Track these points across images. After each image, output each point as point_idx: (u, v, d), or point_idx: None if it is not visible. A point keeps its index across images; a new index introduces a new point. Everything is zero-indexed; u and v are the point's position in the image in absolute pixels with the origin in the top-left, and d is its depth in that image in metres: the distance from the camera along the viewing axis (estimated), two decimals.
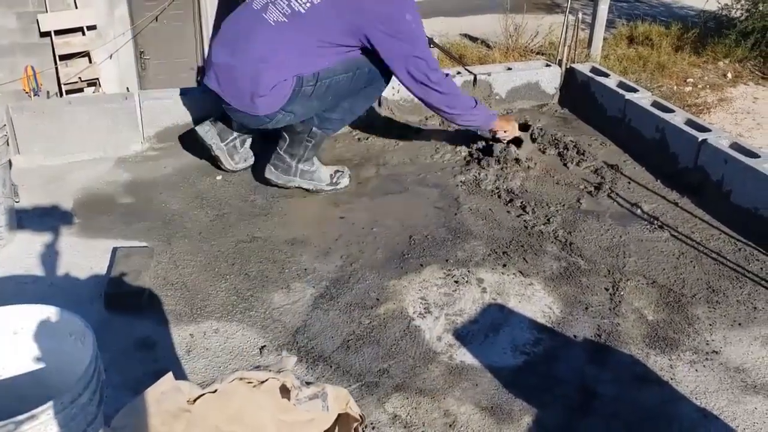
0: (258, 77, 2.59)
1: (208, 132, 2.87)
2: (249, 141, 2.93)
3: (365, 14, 2.60)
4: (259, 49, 2.60)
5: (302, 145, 2.77)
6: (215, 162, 2.92)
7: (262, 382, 1.39)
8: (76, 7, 8.21)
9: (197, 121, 3.04)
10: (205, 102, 3.14)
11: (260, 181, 2.87)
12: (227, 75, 2.66)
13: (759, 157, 2.78)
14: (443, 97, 2.80)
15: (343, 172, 2.91)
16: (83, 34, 8.31)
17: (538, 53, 7.72)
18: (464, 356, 2.06)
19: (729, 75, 7.67)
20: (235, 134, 2.88)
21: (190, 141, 3.14)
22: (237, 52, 2.65)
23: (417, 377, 1.98)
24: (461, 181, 2.98)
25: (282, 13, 2.62)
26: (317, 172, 2.84)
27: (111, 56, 8.62)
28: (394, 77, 2.80)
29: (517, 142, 3.14)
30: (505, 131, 3.09)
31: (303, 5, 2.61)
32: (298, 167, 2.80)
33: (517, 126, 3.14)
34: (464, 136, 3.27)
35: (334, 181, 2.87)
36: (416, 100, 3.46)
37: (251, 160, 2.96)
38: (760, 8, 7.77)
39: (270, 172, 2.81)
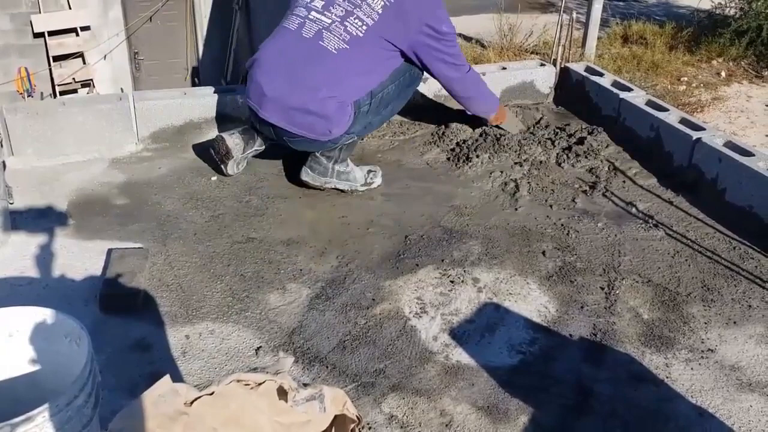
0: (328, 108, 2.64)
1: (237, 145, 2.86)
2: (251, 153, 2.94)
3: (412, 27, 2.71)
4: (328, 80, 2.65)
5: (338, 147, 2.78)
6: (217, 165, 2.90)
7: (260, 384, 1.39)
8: (70, 8, 8.19)
9: (192, 121, 3.04)
10: (199, 102, 3.15)
11: (296, 184, 2.87)
12: (289, 107, 2.67)
13: (753, 155, 2.79)
14: (471, 79, 3.02)
15: (375, 171, 2.94)
16: (77, 35, 8.29)
17: (532, 53, 7.73)
18: (460, 356, 2.06)
19: (723, 74, 7.68)
20: (255, 147, 2.89)
21: (185, 142, 3.14)
22: (303, 85, 2.65)
23: (413, 377, 1.97)
24: (456, 181, 2.98)
25: (341, 39, 2.66)
26: (352, 173, 2.86)
27: (105, 57, 8.61)
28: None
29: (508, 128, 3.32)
30: (497, 119, 3.26)
31: (360, 29, 2.66)
32: (334, 168, 2.81)
33: (514, 118, 3.33)
34: (459, 136, 3.27)
35: (368, 180, 2.90)
36: (412, 99, 3.47)
37: (244, 164, 2.95)
38: (755, 7, 7.78)
39: (306, 174, 2.81)
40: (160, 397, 1.33)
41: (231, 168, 2.89)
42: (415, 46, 2.75)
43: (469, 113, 3.22)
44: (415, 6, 2.72)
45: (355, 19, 2.67)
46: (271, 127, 2.74)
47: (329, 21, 2.68)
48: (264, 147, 2.92)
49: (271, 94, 2.68)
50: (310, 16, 2.72)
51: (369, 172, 2.92)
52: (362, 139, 3.05)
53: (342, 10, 2.68)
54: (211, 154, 2.90)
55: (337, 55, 2.65)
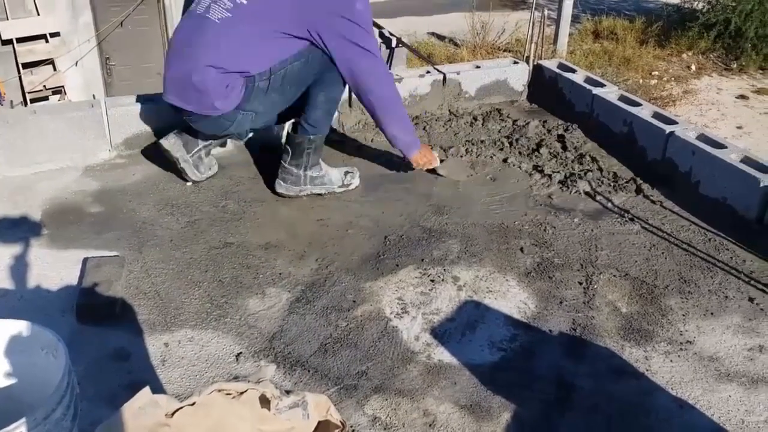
0: (210, 79, 2.54)
1: (174, 144, 2.80)
2: (213, 150, 2.90)
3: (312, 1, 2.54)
4: (207, 50, 2.55)
5: (304, 153, 2.74)
6: (181, 174, 2.87)
7: (241, 393, 1.38)
8: (38, 14, 8.07)
9: (165, 126, 3.00)
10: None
11: (276, 194, 2.82)
12: (181, 84, 2.61)
13: (725, 147, 2.83)
14: (385, 87, 2.72)
15: (353, 172, 2.89)
16: (46, 41, 8.18)
17: (505, 50, 7.78)
18: (442, 355, 2.07)
19: (693, 67, 7.80)
20: (201, 144, 2.83)
21: (158, 148, 3.10)
22: (186, 59, 2.59)
23: (396, 378, 1.97)
24: (434, 180, 2.98)
25: (224, 8, 2.56)
26: (327, 176, 2.82)
27: (76, 63, 8.51)
28: None
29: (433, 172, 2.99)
30: (421, 159, 2.90)
31: None
32: (306, 175, 2.78)
33: (437, 158, 2.96)
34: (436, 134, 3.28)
35: (345, 182, 2.85)
36: None
37: (215, 168, 2.92)
38: (721, 0, 7.90)
39: (280, 186, 2.78)
40: (140, 410, 1.31)
41: (191, 172, 2.84)
42: (317, 25, 2.55)
43: (389, 140, 2.85)
44: None
45: None
46: (175, 109, 2.68)
47: None
48: (219, 140, 2.87)
49: (168, 75, 2.65)
50: None
51: (346, 173, 2.88)
52: (325, 135, 2.82)
53: None
54: None
55: (219, 24, 2.54)
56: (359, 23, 2.59)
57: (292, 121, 2.83)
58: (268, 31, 2.56)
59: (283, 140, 2.87)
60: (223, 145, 3.05)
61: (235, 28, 2.54)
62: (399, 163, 3.03)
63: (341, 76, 2.65)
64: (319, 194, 2.82)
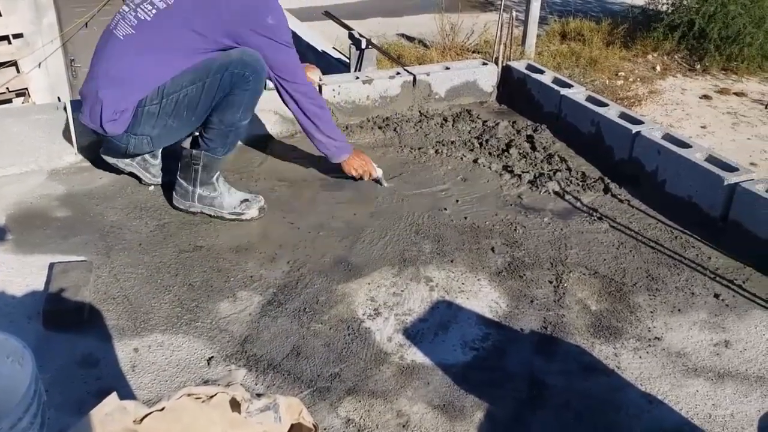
0: (105, 99, 2.48)
1: (113, 156, 2.78)
2: (159, 153, 2.83)
3: (220, 10, 2.45)
4: (107, 68, 2.51)
5: (191, 168, 2.62)
6: (138, 179, 2.84)
7: (211, 396, 1.36)
8: (0, 15, 7.92)
9: None
10: None
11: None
12: (86, 101, 2.57)
13: (690, 147, 2.88)
14: (309, 94, 2.67)
15: (251, 201, 2.69)
16: (9, 42, 8.02)
17: (474, 52, 7.82)
18: (415, 355, 2.07)
19: (658, 68, 7.91)
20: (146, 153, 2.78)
21: None
22: (91, 77, 2.56)
23: (369, 379, 1.97)
24: (405, 181, 2.99)
25: (129, 24, 2.50)
26: (218, 198, 2.65)
27: (40, 65, 8.36)
28: (270, 79, 2.63)
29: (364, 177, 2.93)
30: (354, 169, 2.87)
31: (149, 12, 2.48)
32: (195, 192, 2.64)
33: (372, 165, 2.90)
34: (407, 136, 3.28)
35: (237, 210, 2.66)
36: (358, 101, 3.46)
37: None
38: (685, 2, 8.04)
39: (173, 197, 2.70)
40: (107, 416, 1.29)
41: (143, 176, 2.81)
42: (233, 36, 2.48)
43: (315, 142, 2.79)
44: None
45: (147, 3, 2.49)
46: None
47: (127, 9, 2.55)
48: (165, 146, 2.77)
49: (81, 92, 2.62)
50: (120, 10, 2.60)
51: (243, 201, 2.68)
52: (220, 159, 2.64)
53: None
54: None
55: (122, 41, 2.48)
56: (271, 37, 2.53)
57: (196, 133, 2.69)
58: (170, 48, 2.48)
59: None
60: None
61: (138, 46, 2.48)
62: (335, 169, 2.94)
63: (251, 97, 2.56)
64: (209, 215, 2.67)
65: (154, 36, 2.47)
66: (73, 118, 2.98)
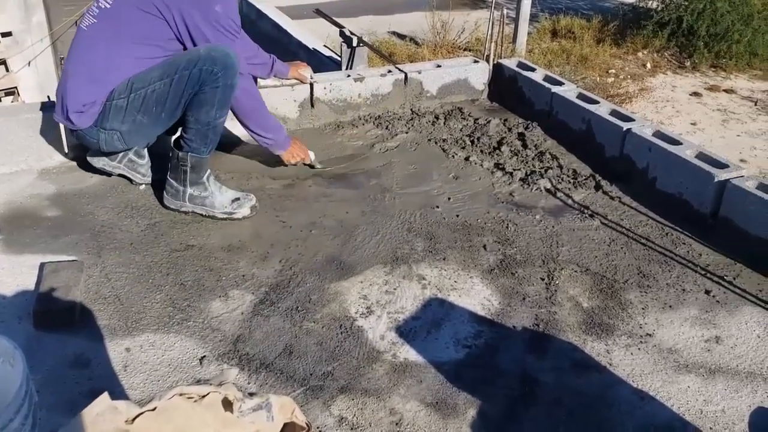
0: (69, 91, 2.49)
1: (98, 159, 2.77)
2: (145, 152, 2.83)
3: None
4: (75, 59, 2.51)
5: (179, 169, 2.61)
6: (130, 180, 2.84)
7: (203, 396, 1.36)
8: None
9: None
10: None
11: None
12: (57, 98, 2.57)
13: (681, 144, 2.89)
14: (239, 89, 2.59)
15: (242, 200, 2.68)
16: None
17: (465, 49, 7.83)
18: (408, 353, 2.07)
19: (648, 65, 7.94)
20: (122, 151, 2.77)
21: None
22: (64, 73, 2.55)
23: (362, 378, 1.97)
24: (397, 179, 2.99)
25: (92, 15, 2.50)
26: (210, 198, 2.64)
27: (29, 63, 8.31)
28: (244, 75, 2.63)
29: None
30: (293, 156, 2.92)
31: (108, 1, 2.48)
32: (186, 192, 2.63)
33: (308, 153, 2.97)
34: (394, 134, 3.28)
35: (229, 209, 2.65)
36: (349, 99, 3.46)
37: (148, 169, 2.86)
38: None
39: (164, 197, 2.69)
40: (98, 416, 1.28)
41: (133, 176, 2.80)
42: (177, 17, 2.46)
43: (250, 132, 2.81)
44: None
45: None
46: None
47: (93, 2, 2.55)
48: (140, 144, 2.78)
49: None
50: (89, 6, 2.59)
51: (234, 200, 2.67)
52: (204, 157, 2.61)
53: None
54: None
55: (86, 32, 2.49)
56: (215, 23, 2.50)
57: (180, 133, 2.69)
58: (131, 38, 2.47)
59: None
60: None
61: (99, 35, 2.49)
62: (274, 159, 2.97)
63: (215, 99, 2.51)
64: (201, 215, 2.66)
65: (113, 24, 2.48)
66: None
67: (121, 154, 2.77)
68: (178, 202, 2.66)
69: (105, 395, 1.32)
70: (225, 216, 2.66)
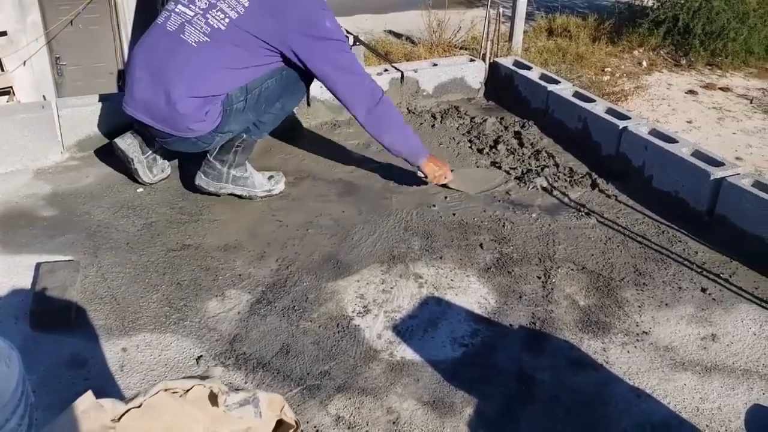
0: (187, 105, 2.51)
1: (130, 145, 2.75)
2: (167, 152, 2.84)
3: (284, 20, 2.52)
4: (184, 76, 2.52)
5: (232, 150, 2.69)
6: (132, 175, 2.82)
7: (188, 390, 1.34)
8: None
9: (119, 127, 2.95)
10: None
11: (190, 189, 2.80)
12: (154, 107, 2.55)
13: (677, 142, 2.89)
14: (369, 94, 2.67)
15: (277, 177, 2.83)
16: None
17: (461, 48, 7.83)
18: (404, 352, 2.07)
19: (644, 63, 7.96)
20: (156, 146, 2.78)
21: (111, 149, 3.05)
22: (160, 84, 2.53)
23: (359, 377, 1.97)
24: (394, 178, 2.99)
25: (202, 32, 2.53)
26: (251, 178, 2.75)
27: (24, 63, 8.29)
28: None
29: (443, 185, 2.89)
30: (435, 175, 2.83)
31: (221, 21, 2.52)
32: (230, 173, 2.72)
33: (449, 172, 2.86)
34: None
35: (268, 187, 2.79)
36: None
37: (168, 171, 2.87)
38: None
39: (200, 179, 2.72)
40: (83, 413, 1.26)
41: (143, 174, 2.79)
42: (293, 45, 2.55)
43: (388, 150, 2.80)
44: (286, 2, 2.54)
45: (217, 11, 2.52)
46: (145, 126, 2.64)
47: (192, 14, 2.55)
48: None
49: (138, 95, 2.59)
50: (176, 9, 2.60)
51: (270, 177, 2.81)
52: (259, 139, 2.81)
53: (205, 2, 2.55)
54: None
55: (197, 49, 2.51)
56: (331, 38, 2.59)
57: None
58: (246, 55, 2.55)
59: None
60: None
61: (214, 53, 2.52)
62: (401, 175, 2.95)
63: (304, 89, 2.76)
64: (240, 196, 2.74)
65: (230, 44, 2.52)
66: (59, 116, 2.96)
67: (153, 148, 2.78)
68: (219, 183, 2.71)
69: (89, 393, 1.31)
70: (265, 194, 2.78)
